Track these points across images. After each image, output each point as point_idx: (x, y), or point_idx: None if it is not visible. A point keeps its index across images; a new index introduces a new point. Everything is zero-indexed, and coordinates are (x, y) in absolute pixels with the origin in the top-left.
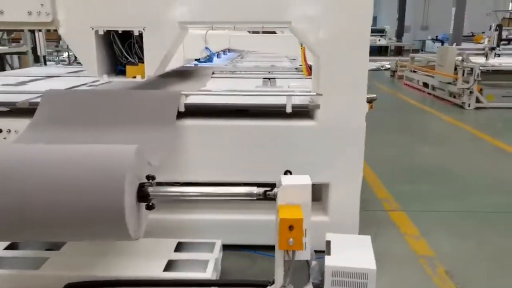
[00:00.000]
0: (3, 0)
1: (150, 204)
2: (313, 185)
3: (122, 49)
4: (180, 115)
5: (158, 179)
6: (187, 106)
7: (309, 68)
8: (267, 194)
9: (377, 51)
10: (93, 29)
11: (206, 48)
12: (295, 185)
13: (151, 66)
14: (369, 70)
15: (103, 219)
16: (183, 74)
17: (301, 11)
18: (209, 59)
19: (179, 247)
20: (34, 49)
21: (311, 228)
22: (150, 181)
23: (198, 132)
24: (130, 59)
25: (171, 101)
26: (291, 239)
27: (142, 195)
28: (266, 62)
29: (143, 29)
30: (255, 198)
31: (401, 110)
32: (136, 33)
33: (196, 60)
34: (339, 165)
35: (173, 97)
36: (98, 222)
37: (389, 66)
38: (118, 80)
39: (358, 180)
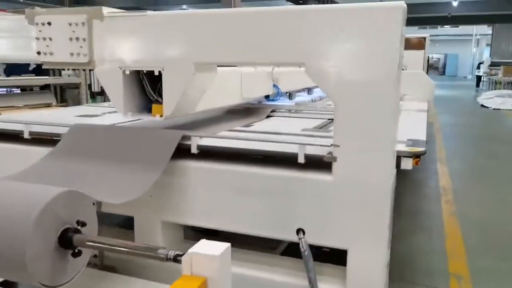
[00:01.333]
0: (52, 42)
1: (76, 251)
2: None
3: (150, 88)
4: (190, 156)
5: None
6: (199, 147)
7: None
8: (177, 258)
9: None
10: (121, 69)
11: (274, 85)
12: (201, 254)
13: (169, 105)
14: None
15: (6, 258)
16: (236, 112)
17: (315, 51)
18: (278, 97)
19: None
20: (89, 86)
21: None
22: (79, 227)
23: (203, 175)
24: (156, 98)
25: (168, 141)
26: None
27: (64, 241)
28: None
29: (162, 69)
30: (165, 259)
31: None
32: (156, 73)
33: (265, 97)
34: (359, 229)
35: (171, 137)
36: (2, 260)
37: None
38: (145, 118)
39: (382, 249)
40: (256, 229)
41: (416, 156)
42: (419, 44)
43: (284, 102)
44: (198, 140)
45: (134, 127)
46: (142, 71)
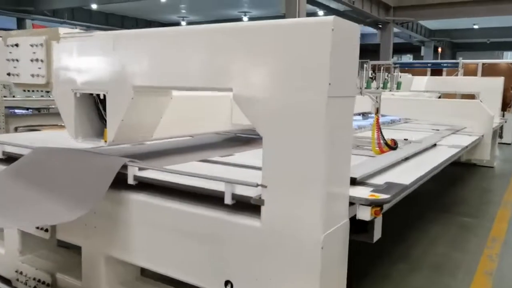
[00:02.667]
0: (19, 64)
1: None
2: None
3: (103, 112)
4: (131, 187)
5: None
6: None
7: (387, 145)
8: None
9: None
10: (73, 91)
11: None
12: None
13: (112, 130)
14: None
15: None
16: (237, 139)
17: (240, 75)
18: None
19: None
20: None
21: None
22: None
23: (137, 209)
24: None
25: (108, 169)
26: None
27: None
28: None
29: (107, 93)
30: None
31: None
32: (102, 97)
33: None
34: None
35: (111, 165)
36: None
37: None
38: (96, 143)
39: None
40: (187, 275)
41: (376, 205)
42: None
43: None
44: (136, 171)
45: (84, 151)
46: (98, 94)
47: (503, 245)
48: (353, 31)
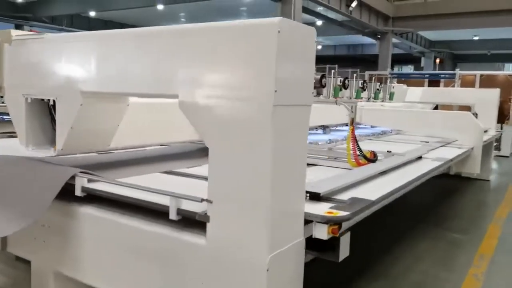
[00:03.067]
0: None
1: None
2: None
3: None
4: (79, 199)
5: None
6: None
7: (365, 157)
8: None
9: None
10: (24, 96)
11: None
12: None
13: (61, 138)
14: None
15: None
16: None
17: (187, 83)
18: None
19: None
20: None
21: None
22: None
23: (84, 223)
24: None
25: (56, 179)
26: None
27: None
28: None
29: (56, 99)
30: None
31: None
32: (51, 103)
33: None
34: None
35: (60, 175)
36: None
37: None
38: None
39: None
40: None
41: (335, 223)
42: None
43: None
44: (85, 182)
45: (35, 160)
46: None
47: (490, 263)
48: (307, 34)
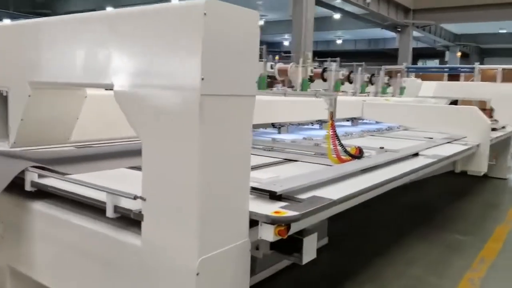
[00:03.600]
0: None
1: None
2: None
3: None
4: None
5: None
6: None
7: (348, 153)
8: None
9: None
10: None
11: None
12: None
13: (13, 130)
14: None
15: None
16: None
17: (119, 72)
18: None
19: None
20: None
21: None
22: None
23: (33, 219)
24: None
25: (4, 173)
26: None
27: None
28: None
29: (8, 89)
30: None
31: None
32: (5, 94)
33: None
34: None
35: (8, 169)
36: None
37: None
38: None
39: None
40: None
41: (284, 223)
42: None
43: (265, 136)
44: (34, 177)
45: None
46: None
47: (490, 267)
48: (248, 18)
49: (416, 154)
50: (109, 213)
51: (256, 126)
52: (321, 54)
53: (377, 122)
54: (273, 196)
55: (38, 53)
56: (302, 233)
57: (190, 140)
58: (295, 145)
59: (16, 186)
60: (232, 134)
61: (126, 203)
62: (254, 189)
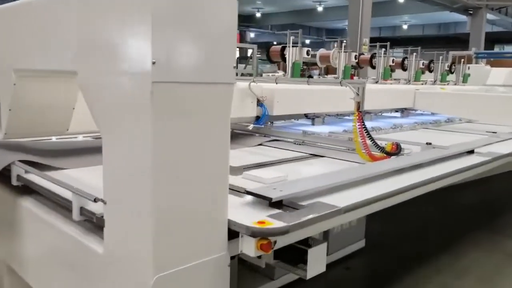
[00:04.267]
0: None
1: None
2: None
3: None
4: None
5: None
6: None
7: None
8: None
9: None
10: None
11: (261, 105)
12: None
13: (3, 121)
14: None
15: None
16: None
17: (80, 57)
18: (262, 121)
19: None
20: None
21: None
22: None
23: (19, 216)
24: None
25: None
26: None
27: None
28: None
29: None
30: None
31: None
32: None
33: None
34: None
35: None
36: None
37: None
38: None
39: None
40: None
41: (267, 235)
42: None
43: (291, 129)
44: (21, 171)
45: None
46: None
47: None
48: None
49: (471, 152)
50: (75, 215)
51: (286, 118)
52: (385, 40)
53: (433, 114)
54: (273, 204)
55: (18, 38)
56: (308, 242)
57: (143, 135)
58: (328, 139)
59: (9, 180)
60: (201, 128)
61: (93, 206)
62: (247, 193)
